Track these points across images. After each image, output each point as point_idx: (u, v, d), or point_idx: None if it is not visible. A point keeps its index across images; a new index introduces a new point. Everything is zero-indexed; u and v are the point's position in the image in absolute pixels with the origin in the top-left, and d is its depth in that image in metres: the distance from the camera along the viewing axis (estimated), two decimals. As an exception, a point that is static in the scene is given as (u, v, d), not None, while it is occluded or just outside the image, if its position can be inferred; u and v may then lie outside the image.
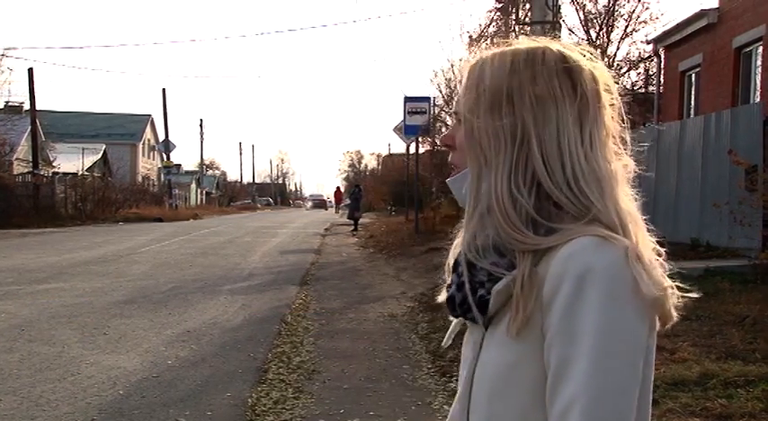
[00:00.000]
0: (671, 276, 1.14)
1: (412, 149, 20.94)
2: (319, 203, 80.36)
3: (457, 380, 1.30)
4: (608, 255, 1.06)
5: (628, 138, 1.23)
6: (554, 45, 1.20)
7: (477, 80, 1.20)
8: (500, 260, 1.14)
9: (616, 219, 1.11)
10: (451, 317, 1.34)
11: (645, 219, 1.19)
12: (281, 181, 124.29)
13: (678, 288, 1.13)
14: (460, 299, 1.20)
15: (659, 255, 1.14)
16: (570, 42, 1.27)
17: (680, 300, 1.14)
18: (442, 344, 1.40)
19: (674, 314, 1.12)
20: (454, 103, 1.29)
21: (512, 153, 1.15)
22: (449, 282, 1.26)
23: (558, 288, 1.06)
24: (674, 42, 17.47)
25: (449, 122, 22.06)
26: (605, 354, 1.02)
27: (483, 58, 1.22)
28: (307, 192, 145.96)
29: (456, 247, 1.30)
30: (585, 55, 1.21)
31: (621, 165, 1.19)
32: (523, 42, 1.22)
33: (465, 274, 1.17)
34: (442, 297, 1.31)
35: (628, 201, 1.17)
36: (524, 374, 1.11)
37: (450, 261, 1.29)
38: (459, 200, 1.26)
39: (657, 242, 1.17)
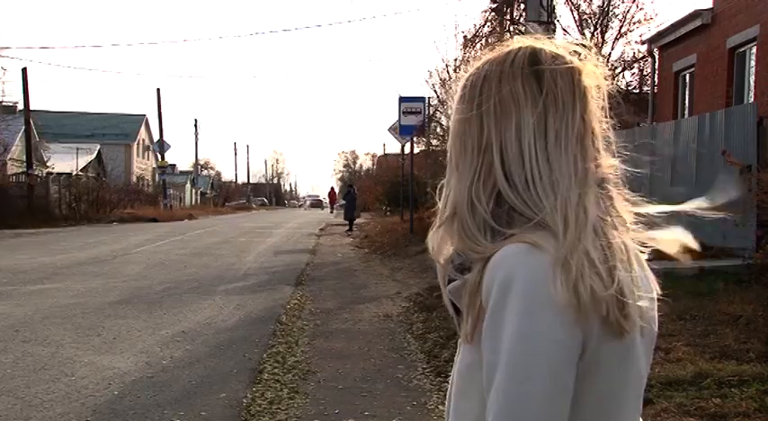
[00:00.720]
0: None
1: (407, 149, 20.93)
2: (316, 203, 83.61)
3: None
4: (530, 262, 1.04)
5: (613, 138, 1.20)
6: (535, 43, 1.18)
7: (461, 91, 1.21)
8: (462, 261, 1.15)
9: (560, 221, 1.07)
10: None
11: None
12: (275, 181, 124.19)
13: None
14: (447, 298, 1.22)
15: (597, 264, 1.06)
16: (566, 40, 1.25)
17: (646, 308, 1.10)
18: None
19: (629, 323, 1.06)
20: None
21: (476, 159, 1.15)
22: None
23: (488, 295, 1.06)
24: (668, 43, 17.51)
25: (443, 122, 22.09)
26: (519, 363, 1.01)
27: (471, 70, 1.23)
28: (302, 193, 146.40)
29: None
30: (574, 50, 1.19)
31: (607, 166, 1.16)
32: (517, 42, 1.21)
33: (439, 272, 1.21)
34: None
35: (589, 203, 1.10)
36: (478, 376, 1.11)
37: None
38: None
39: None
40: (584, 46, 1.21)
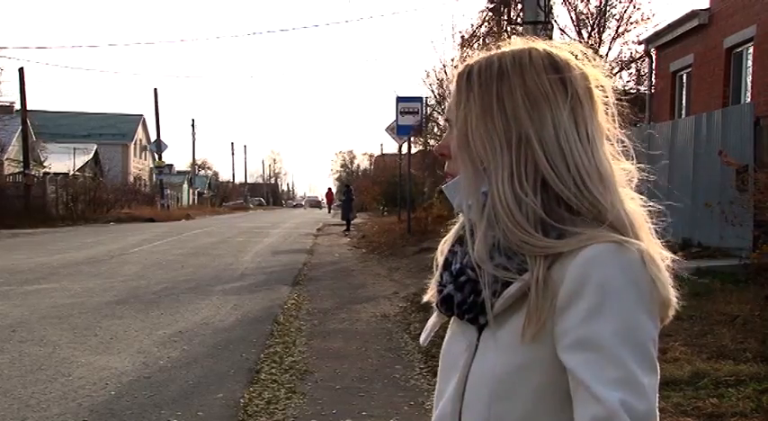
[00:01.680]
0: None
1: (404, 149, 20.93)
2: (315, 203, 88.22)
3: None
4: (627, 261, 1.07)
5: (626, 140, 1.23)
6: (540, 45, 1.20)
7: (467, 87, 1.20)
8: (508, 263, 1.13)
9: (625, 219, 1.12)
10: (434, 316, 1.35)
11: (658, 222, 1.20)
12: (273, 181, 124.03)
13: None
14: (460, 299, 1.19)
15: (663, 257, 1.14)
16: (561, 41, 1.27)
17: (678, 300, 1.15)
18: (421, 341, 1.40)
19: (673, 310, 1.14)
20: (446, 111, 1.28)
21: (509, 155, 1.14)
22: (441, 281, 1.25)
23: (576, 294, 1.06)
24: (665, 43, 17.52)
25: (441, 122, 22.07)
26: (635, 359, 1.04)
27: (470, 65, 1.22)
28: (299, 193, 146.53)
29: (444, 244, 1.30)
30: (576, 54, 1.21)
31: (619, 168, 1.19)
32: (514, 44, 1.22)
33: (472, 273, 1.17)
34: (428, 296, 1.32)
35: (632, 203, 1.17)
36: (532, 377, 1.11)
37: (439, 258, 1.28)
38: (455, 206, 1.25)
39: (667, 245, 1.19)
40: (590, 49, 1.24)
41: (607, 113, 1.21)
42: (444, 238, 1.31)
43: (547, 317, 1.09)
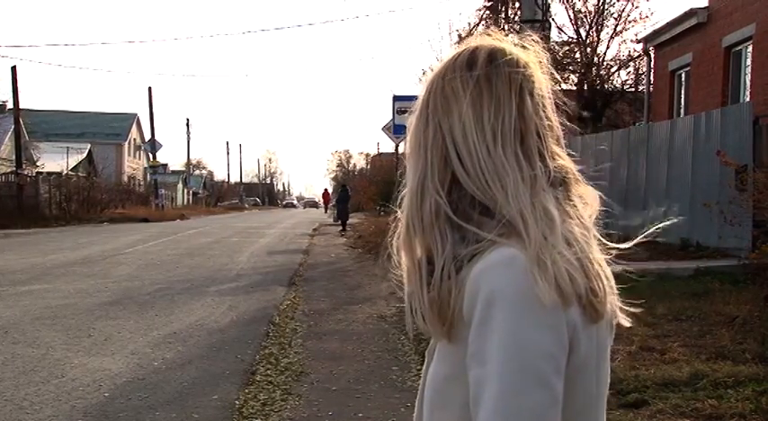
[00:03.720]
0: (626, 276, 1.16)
1: (401, 149, 20.89)
2: (312, 204, 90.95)
3: None
4: (510, 272, 1.04)
5: (564, 139, 1.20)
6: (482, 41, 1.20)
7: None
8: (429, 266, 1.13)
9: (518, 217, 1.07)
10: None
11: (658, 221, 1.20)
12: (268, 181, 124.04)
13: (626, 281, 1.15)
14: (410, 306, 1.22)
15: (567, 260, 1.06)
16: (518, 36, 1.23)
17: (622, 293, 1.15)
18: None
19: (603, 307, 1.09)
20: None
21: (427, 153, 1.16)
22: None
23: (472, 307, 1.05)
24: (663, 41, 17.53)
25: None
26: (511, 376, 1.00)
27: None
28: (295, 192, 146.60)
29: None
30: (525, 47, 1.19)
31: (562, 167, 1.15)
32: (467, 43, 1.22)
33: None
34: None
35: (545, 201, 1.09)
36: (456, 388, 1.10)
37: None
38: None
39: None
40: (533, 41, 1.21)
41: (544, 109, 1.16)
42: None
43: (460, 326, 1.07)
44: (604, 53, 19.70)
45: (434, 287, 1.09)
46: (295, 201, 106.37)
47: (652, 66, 18.64)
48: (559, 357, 1.03)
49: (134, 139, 59.68)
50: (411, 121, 1.21)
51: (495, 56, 1.16)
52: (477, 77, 1.14)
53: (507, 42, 1.18)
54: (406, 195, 1.18)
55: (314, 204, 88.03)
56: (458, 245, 1.10)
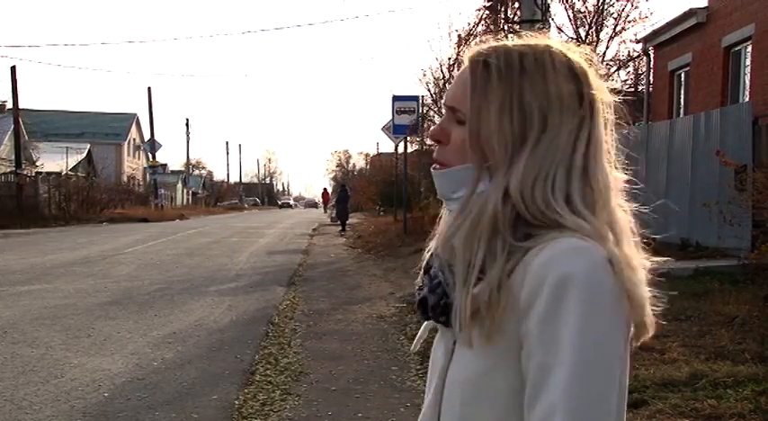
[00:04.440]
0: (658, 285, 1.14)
1: (400, 149, 20.89)
2: (312, 204, 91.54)
3: None
4: (586, 261, 1.04)
5: (616, 147, 1.21)
6: (556, 45, 1.17)
7: (483, 77, 1.15)
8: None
9: (607, 230, 1.09)
10: (424, 321, 1.33)
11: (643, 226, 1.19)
12: (268, 181, 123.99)
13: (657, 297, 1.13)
14: (433, 301, 1.17)
15: (645, 267, 1.12)
16: (563, 40, 1.24)
17: (658, 311, 1.13)
18: (411, 349, 1.39)
19: (651, 329, 1.11)
20: (449, 96, 1.21)
21: (523, 156, 1.12)
22: (422, 283, 1.23)
23: (536, 294, 1.04)
24: (663, 41, 17.52)
25: (437, 121, 22.02)
26: (584, 363, 1.01)
27: (485, 53, 1.17)
28: (294, 192, 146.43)
29: (430, 249, 1.28)
30: (588, 59, 1.19)
31: (614, 177, 1.18)
32: (529, 40, 1.19)
33: (442, 276, 1.15)
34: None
35: (620, 212, 1.15)
36: (498, 381, 1.09)
37: (425, 260, 1.27)
38: (440, 193, 1.23)
39: (646, 244, 1.18)
40: (591, 51, 1.21)
41: (606, 126, 1.18)
42: (431, 243, 1.29)
43: (505, 318, 1.06)
44: (604, 53, 19.65)
45: (490, 284, 1.07)
46: (291, 201, 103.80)
47: (651, 66, 18.64)
48: (623, 349, 1.06)
49: (133, 139, 59.65)
50: (484, 112, 1.14)
51: (587, 72, 1.16)
52: (581, 87, 1.15)
53: (575, 51, 1.18)
54: (482, 198, 1.13)
55: (314, 204, 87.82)
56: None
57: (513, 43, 1.18)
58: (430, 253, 1.25)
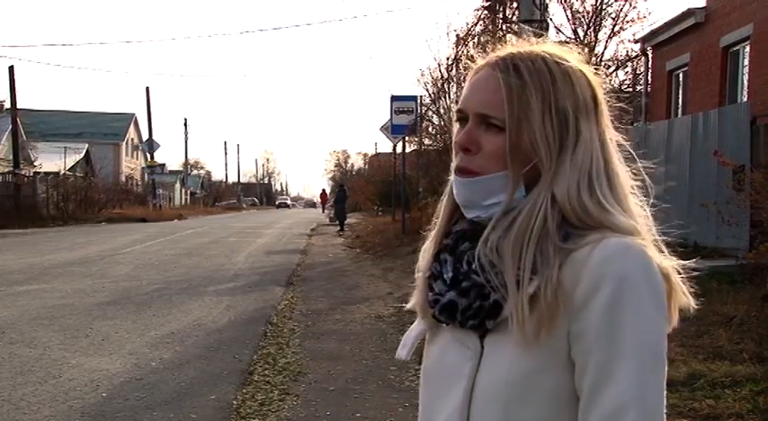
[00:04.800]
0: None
1: (399, 149, 20.88)
2: (311, 204, 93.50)
3: None
4: (641, 259, 1.08)
5: (625, 143, 1.25)
6: (558, 50, 1.20)
7: (519, 84, 1.15)
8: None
9: (634, 224, 1.14)
10: (417, 326, 1.30)
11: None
12: (266, 181, 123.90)
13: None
14: (465, 305, 1.15)
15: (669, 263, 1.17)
16: (556, 41, 1.26)
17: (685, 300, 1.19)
18: (403, 356, 1.31)
19: (672, 325, 1.16)
20: (478, 103, 1.18)
21: (557, 161, 1.14)
22: (435, 291, 1.20)
23: (594, 293, 1.06)
24: (661, 41, 17.50)
25: (435, 121, 22.00)
26: (650, 358, 1.05)
27: (510, 59, 1.17)
28: (293, 192, 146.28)
29: (426, 252, 1.26)
30: (582, 60, 1.22)
31: (627, 177, 1.22)
32: (547, 46, 1.20)
33: (481, 278, 1.14)
34: (411, 304, 1.29)
35: (638, 207, 1.20)
36: (546, 381, 1.10)
37: (421, 265, 1.26)
38: (467, 200, 1.19)
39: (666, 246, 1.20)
40: (585, 48, 1.22)
41: (612, 121, 1.24)
42: (424, 246, 1.28)
43: (558, 317, 1.07)
44: (602, 53, 19.66)
45: (550, 284, 1.08)
46: (289, 201, 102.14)
47: (650, 66, 18.63)
48: (666, 342, 1.11)
49: (132, 139, 59.59)
50: (524, 120, 1.14)
51: (593, 76, 1.21)
52: (594, 90, 1.20)
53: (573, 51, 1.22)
54: (538, 200, 1.14)
55: (313, 204, 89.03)
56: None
57: (529, 49, 1.19)
58: (428, 255, 1.24)
